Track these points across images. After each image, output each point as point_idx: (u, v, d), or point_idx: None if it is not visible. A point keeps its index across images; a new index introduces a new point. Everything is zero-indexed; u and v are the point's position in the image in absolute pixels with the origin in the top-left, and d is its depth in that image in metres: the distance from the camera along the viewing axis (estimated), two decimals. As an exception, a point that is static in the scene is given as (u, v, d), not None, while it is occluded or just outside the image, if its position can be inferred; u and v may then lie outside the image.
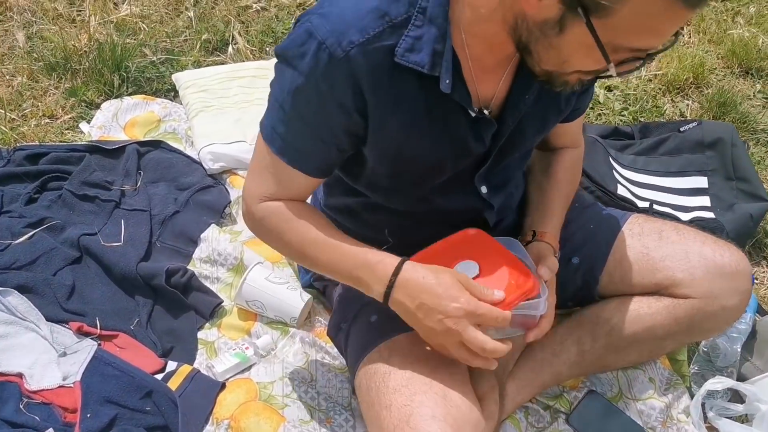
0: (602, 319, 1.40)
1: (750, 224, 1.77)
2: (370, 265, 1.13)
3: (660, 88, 2.22)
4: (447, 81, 1.05)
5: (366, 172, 1.20)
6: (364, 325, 1.30)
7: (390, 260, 1.13)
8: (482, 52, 1.07)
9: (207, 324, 1.55)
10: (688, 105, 2.20)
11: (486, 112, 1.13)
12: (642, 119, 2.11)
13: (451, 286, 1.09)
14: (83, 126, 1.89)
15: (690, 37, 2.43)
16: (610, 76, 0.96)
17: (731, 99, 2.16)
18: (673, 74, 2.22)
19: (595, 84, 1.33)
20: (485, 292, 1.12)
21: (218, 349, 1.51)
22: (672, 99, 2.21)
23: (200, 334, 1.53)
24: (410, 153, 1.14)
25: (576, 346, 1.41)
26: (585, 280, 1.42)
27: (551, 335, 1.44)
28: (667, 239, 1.38)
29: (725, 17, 2.51)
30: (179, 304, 1.56)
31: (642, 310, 1.37)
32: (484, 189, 1.25)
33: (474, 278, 1.16)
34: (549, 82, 1.04)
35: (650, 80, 2.23)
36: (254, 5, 2.29)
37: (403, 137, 1.11)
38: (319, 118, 1.08)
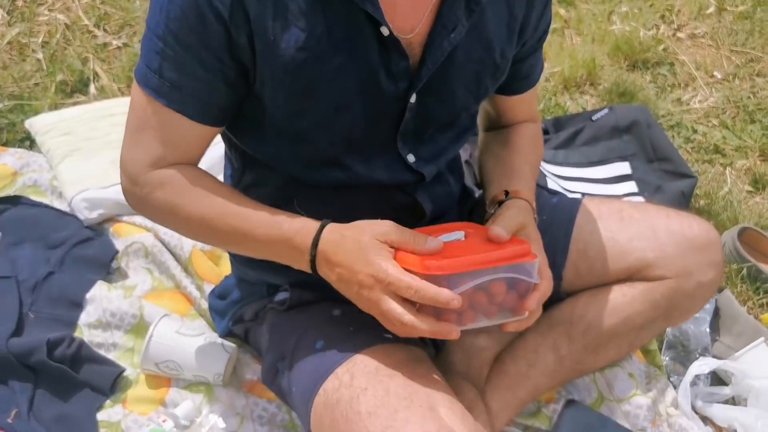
0: (576, 316, 1.24)
1: (683, 201, 1.70)
2: (287, 238, 0.96)
3: (558, 87, 2.17)
4: None
5: (267, 127, 1.00)
6: (308, 355, 1.06)
7: (309, 227, 0.96)
8: None
9: (108, 401, 1.26)
10: (587, 100, 2.16)
11: (396, 35, 0.95)
12: (548, 117, 2.03)
13: (368, 249, 0.92)
14: None
15: (572, 39, 2.42)
16: None
17: (629, 89, 2.14)
18: (568, 72, 2.18)
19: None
20: (416, 240, 0.93)
21: (127, 430, 1.22)
22: (571, 96, 2.16)
23: (100, 416, 1.24)
24: (308, 78, 0.94)
25: (552, 352, 1.25)
26: (547, 278, 1.26)
27: (522, 344, 1.27)
28: (630, 218, 1.25)
29: (601, 19, 2.53)
30: (69, 382, 1.26)
31: (617, 300, 1.23)
32: (411, 158, 1.07)
33: (456, 242, 0.98)
34: None
35: (547, 80, 2.18)
36: (113, 42, 2.03)
37: (299, 59, 0.92)
38: (196, 37, 0.90)
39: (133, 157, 0.99)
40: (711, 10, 2.71)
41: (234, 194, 1.01)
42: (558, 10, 2.52)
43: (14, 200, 1.55)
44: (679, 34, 2.58)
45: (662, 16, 2.64)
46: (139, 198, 1.01)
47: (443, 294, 0.88)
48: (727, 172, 1.94)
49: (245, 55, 0.92)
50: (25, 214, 1.53)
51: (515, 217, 1.04)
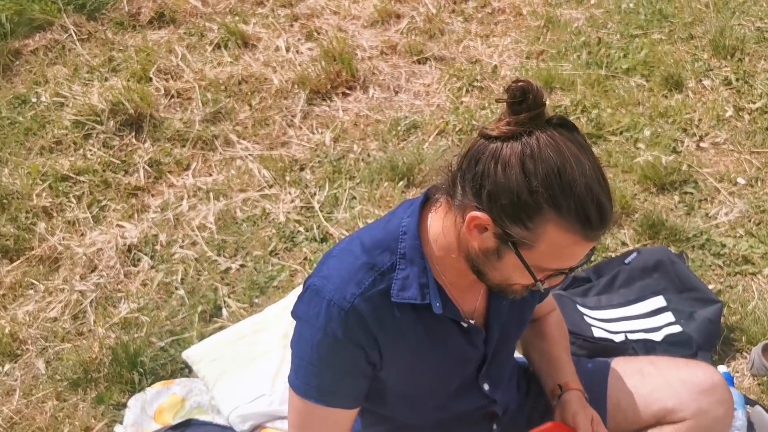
0: (620, 460, 1.59)
1: (712, 327, 2.01)
2: None
3: (597, 227, 2.52)
4: (437, 304, 1.31)
5: (388, 395, 1.42)
6: None
7: None
8: (455, 277, 1.34)
9: None
10: (625, 233, 2.50)
11: (472, 322, 1.38)
12: (592, 259, 2.38)
13: None
14: (118, 429, 2.07)
15: (605, 172, 2.78)
16: (541, 289, 1.24)
17: (658, 219, 2.46)
18: (603, 212, 2.53)
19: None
20: None
21: None
22: (611, 233, 2.50)
23: None
24: (421, 369, 1.38)
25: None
26: (594, 431, 1.62)
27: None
28: (648, 375, 1.61)
29: (627, 147, 2.88)
30: None
31: (652, 443, 1.57)
32: (486, 386, 1.49)
33: None
34: (503, 292, 1.31)
35: (586, 223, 2.54)
36: (233, 266, 2.57)
37: (414, 358, 1.36)
38: (343, 360, 1.32)
39: None
40: (729, 113, 3.03)
41: None
42: (588, 149, 2.89)
43: (187, 424, 2.05)
44: (702, 144, 2.90)
45: (684, 130, 2.97)
46: None
47: None
48: (753, 285, 2.22)
49: (377, 360, 1.34)
50: (198, 433, 2.03)
51: (585, 412, 1.48)
